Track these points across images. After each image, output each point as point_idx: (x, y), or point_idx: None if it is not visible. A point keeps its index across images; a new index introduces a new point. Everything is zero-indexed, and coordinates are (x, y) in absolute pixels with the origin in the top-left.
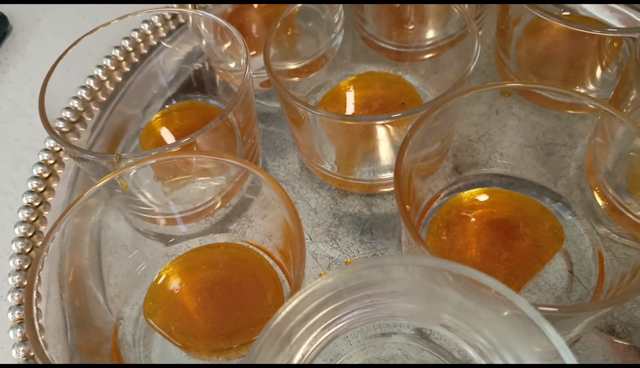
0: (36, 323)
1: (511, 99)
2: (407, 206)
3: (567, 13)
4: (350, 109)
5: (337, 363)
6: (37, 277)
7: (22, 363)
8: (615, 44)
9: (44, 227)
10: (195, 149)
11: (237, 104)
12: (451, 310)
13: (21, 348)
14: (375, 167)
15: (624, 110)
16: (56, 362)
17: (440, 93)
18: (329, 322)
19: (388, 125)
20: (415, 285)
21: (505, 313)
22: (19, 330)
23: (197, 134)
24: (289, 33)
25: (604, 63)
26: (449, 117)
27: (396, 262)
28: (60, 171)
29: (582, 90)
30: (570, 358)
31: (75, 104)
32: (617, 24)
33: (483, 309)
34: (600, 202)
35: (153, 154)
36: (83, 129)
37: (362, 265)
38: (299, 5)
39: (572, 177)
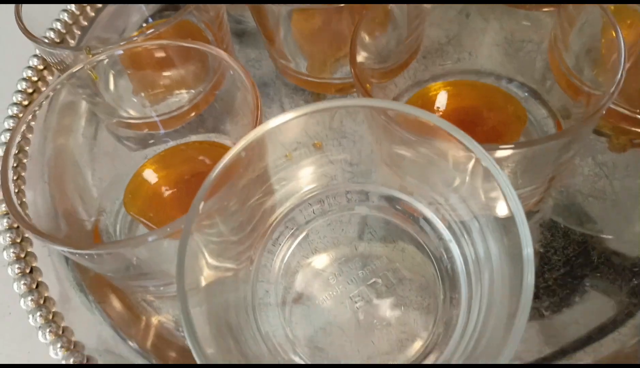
0: (14, 197)
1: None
2: (368, 85)
3: None
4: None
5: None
6: (12, 164)
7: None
8: None
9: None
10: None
11: None
12: (409, 171)
13: (5, 220)
14: (346, 68)
15: None
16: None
17: None
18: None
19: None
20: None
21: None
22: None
23: (162, 25)
24: None
25: None
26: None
27: (353, 104)
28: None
29: None
30: (517, 206)
31: (58, 25)
32: None
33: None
34: (564, 86)
35: (122, 44)
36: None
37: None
38: None
39: (538, 69)
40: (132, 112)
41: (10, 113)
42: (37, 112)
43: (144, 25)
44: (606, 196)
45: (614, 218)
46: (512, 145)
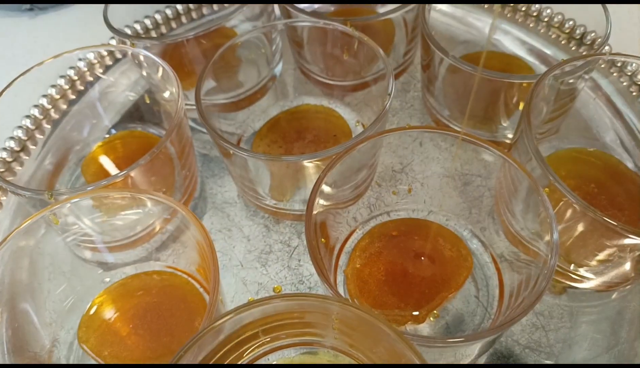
0: None
1: (434, 133)
2: (323, 239)
3: (486, 51)
4: (285, 140)
5: None
6: None
7: None
8: (524, 85)
9: None
10: (130, 181)
11: (172, 136)
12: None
13: None
14: (305, 196)
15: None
16: None
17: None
18: (244, 348)
19: (314, 162)
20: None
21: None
22: None
23: (131, 168)
24: (228, 65)
25: (514, 101)
26: (364, 155)
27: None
28: (4, 198)
29: (500, 126)
30: None
31: (19, 133)
32: (534, 60)
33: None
34: (504, 229)
35: (85, 191)
36: (27, 157)
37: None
38: (239, 40)
39: (484, 206)
40: (89, 230)
41: None
42: None
43: (107, 136)
44: (541, 348)
45: None
46: (461, 339)
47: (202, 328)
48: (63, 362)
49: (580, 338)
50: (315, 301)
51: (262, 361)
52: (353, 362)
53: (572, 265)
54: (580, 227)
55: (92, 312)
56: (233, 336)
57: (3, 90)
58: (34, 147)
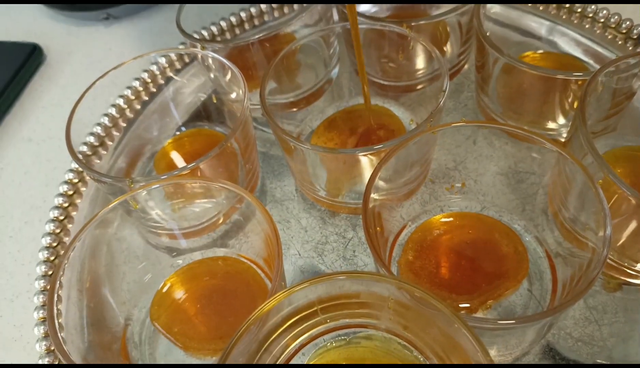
0: (56, 321)
1: (487, 131)
2: (378, 228)
3: (541, 52)
4: (340, 138)
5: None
6: (59, 282)
7: (43, 354)
8: (579, 83)
9: (67, 239)
10: (199, 173)
11: (237, 132)
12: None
13: (43, 343)
14: (359, 191)
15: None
16: (73, 355)
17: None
18: (303, 326)
19: (369, 156)
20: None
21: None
22: (42, 327)
23: (200, 160)
24: (288, 68)
25: (568, 100)
26: (418, 150)
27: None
28: (84, 189)
29: (554, 125)
30: None
31: (98, 129)
32: (590, 61)
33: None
34: (558, 225)
35: (161, 178)
36: (105, 152)
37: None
38: (300, 43)
39: (538, 203)
40: (162, 217)
41: (51, 216)
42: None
43: (177, 133)
44: (594, 342)
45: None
46: (512, 321)
47: (266, 300)
48: (136, 337)
49: (636, 334)
50: (372, 278)
51: (318, 341)
52: (406, 346)
53: (627, 260)
54: (635, 221)
55: (163, 292)
56: (294, 312)
57: (85, 92)
58: (111, 143)
